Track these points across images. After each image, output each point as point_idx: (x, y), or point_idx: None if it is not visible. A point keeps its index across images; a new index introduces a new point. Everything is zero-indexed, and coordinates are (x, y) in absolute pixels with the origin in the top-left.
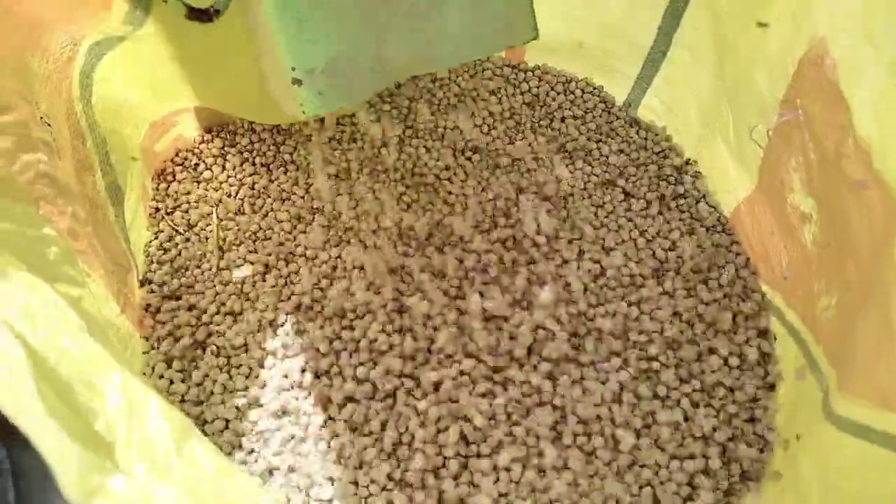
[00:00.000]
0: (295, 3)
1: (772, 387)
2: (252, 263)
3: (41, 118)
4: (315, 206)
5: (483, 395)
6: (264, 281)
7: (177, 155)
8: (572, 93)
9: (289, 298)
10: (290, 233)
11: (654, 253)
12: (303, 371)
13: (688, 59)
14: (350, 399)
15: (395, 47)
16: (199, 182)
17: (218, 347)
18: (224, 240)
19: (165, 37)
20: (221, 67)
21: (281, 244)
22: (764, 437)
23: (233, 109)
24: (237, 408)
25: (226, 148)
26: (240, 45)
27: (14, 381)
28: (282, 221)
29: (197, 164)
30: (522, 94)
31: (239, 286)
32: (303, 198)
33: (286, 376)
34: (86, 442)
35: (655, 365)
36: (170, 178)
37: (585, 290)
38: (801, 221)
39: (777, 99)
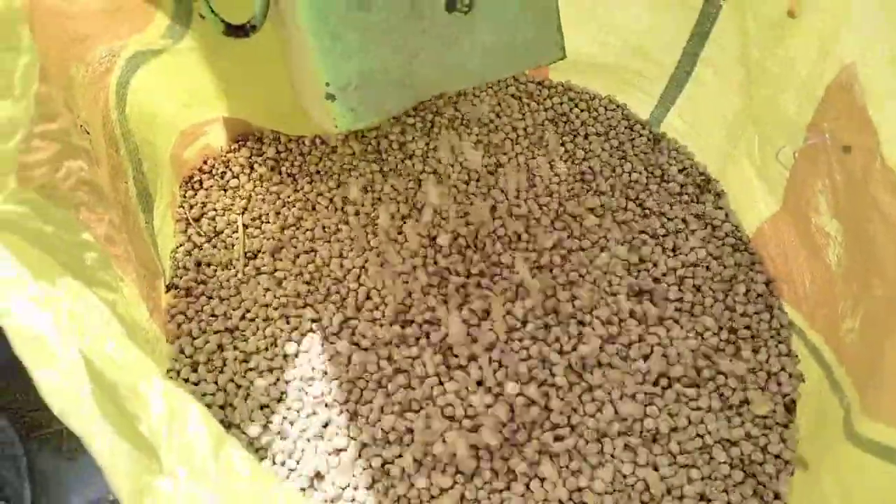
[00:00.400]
0: (330, 20)
1: (793, 405)
2: (276, 271)
3: (81, 126)
4: (338, 216)
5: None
6: (287, 289)
7: (204, 163)
8: (595, 110)
9: (312, 305)
10: (313, 241)
11: (675, 270)
12: (324, 376)
13: (713, 79)
14: (372, 401)
15: (427, 64)
16: (225, 190)
17: (242, 352)
18: (249, 247)
19: (202, 50)
20: (254, 80)
21: (305, 252)
22: (782, 457)
23: (262, 120)
24: (261, 411)
25: (252, 157)
26: (272, 59)
27: (69, 383)
28: (306, 230)
29: (224, 173)
30: (546, 110)
31: (262, 293)
32: (327, 207)
33: (308, 382)
34: (134, 444)
35: (675, 383)
36: (197, 185)
37: (597, 305)
38: (826, 243)
39: (804, 122)
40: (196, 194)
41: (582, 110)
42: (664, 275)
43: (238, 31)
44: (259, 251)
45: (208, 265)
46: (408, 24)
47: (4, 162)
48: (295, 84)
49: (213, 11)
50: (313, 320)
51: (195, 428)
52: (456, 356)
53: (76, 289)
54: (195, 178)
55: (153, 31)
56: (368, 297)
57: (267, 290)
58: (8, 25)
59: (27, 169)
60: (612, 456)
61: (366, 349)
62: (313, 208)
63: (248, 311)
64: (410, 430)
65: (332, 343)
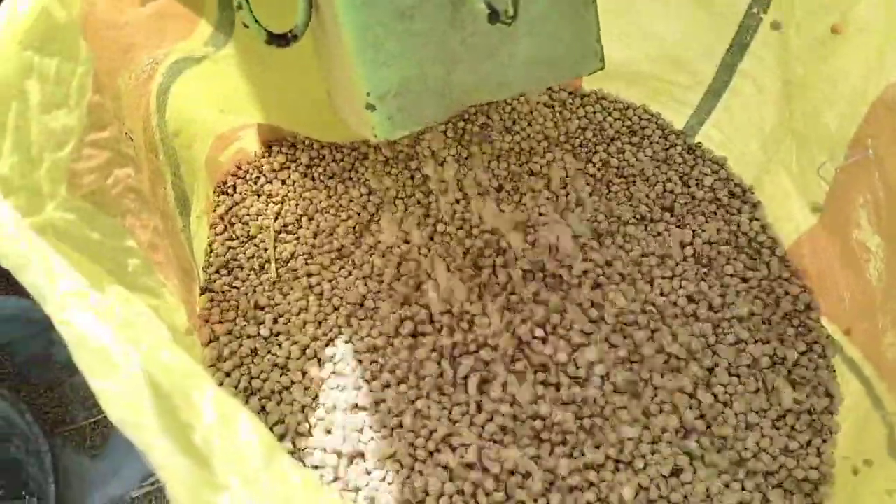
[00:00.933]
0: (372, 29)
1: (832, 422)
2: (311, 283)
3: (126, 133)
4: (371, 223)
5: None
6: (320, 294)
7: (239, 168)
8: (629, 119)
9: (345, 310)
10: (345, 247)
11: (710, 284)
12: (357, 382)
13: (752, 91)
14: (407, 409)
15: (466, 73)
16: (259, 195)
17: (275, 356)
18: (282, 252)
19: (243, 58)
20: (291, 86)
21: (337, 258)
22: (821, 471)
23: (298, 126)
24: (295, 417)
25: (286, 163)
26: (309, 66)
27: (130, 395)
28: (339, 236)
29: (258, 178)
30: (579, 118)
31: (295, 298)
32: (359, 213)
33: (342, 388)
34: (189, 455)
35: (710, 399)
36: (231, 190)
37: (634, 322)
38: (867, 258)
39: (846, 138)
40: (230, 199)
41: (616, 119)
42: (699, 286)
43: (280, 39)
44: (292, 256)
45: (241, 269)
46: (449, 34)
47: (57, 170)
48: (333, 93)
49: (256, 21)
50: (346, 326)
51: (246, 436)
52: (489, 371)
53: (125, 296)
54: (229, 183)
55: (197, 39)
56: (401, 305)
57: (300, 295)
58: (69, 35)
59: (77, 176)
60: (646, 462)
61: (400, 356)
62: (346, 214)
63: (280, 315)
64: (448, 438)
65: (365, 348)
